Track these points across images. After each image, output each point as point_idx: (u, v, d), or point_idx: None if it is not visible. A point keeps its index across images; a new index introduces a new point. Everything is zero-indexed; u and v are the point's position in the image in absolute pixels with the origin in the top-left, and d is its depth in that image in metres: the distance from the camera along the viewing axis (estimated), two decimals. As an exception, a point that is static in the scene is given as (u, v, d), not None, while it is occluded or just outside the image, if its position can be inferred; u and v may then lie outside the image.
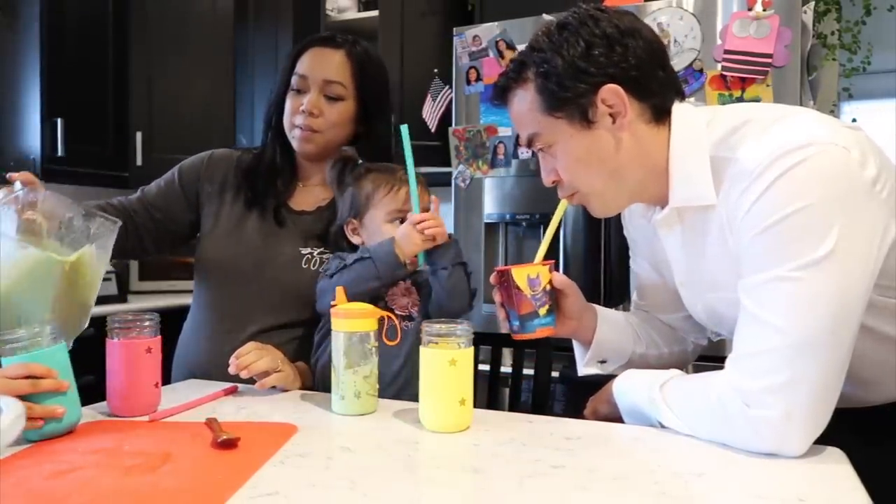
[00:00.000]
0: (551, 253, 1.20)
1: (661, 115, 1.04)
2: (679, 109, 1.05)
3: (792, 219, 0.88)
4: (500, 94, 1.10)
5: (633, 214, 1.23)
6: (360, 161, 1.37)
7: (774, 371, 0.88)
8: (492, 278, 1.17)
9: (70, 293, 1.11)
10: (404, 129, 1.27)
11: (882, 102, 3.57)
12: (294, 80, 1.43)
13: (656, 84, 1.03)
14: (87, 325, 1.16)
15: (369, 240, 1.31)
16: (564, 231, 2.30)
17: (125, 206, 1.46)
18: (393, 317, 1.21)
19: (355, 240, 1.34)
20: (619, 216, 1.22)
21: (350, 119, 1.44)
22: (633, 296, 1.35)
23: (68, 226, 1.12)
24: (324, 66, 1.42)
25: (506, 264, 1.17)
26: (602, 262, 2.28)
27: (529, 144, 1.09)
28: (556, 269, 1.17)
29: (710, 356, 1.81)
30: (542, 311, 1.13)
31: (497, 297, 1.17)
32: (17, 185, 1.12)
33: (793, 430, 0.88)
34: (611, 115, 1.01)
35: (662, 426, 1.01)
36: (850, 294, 0.88)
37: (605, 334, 1.23)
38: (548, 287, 1.13)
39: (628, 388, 1.08)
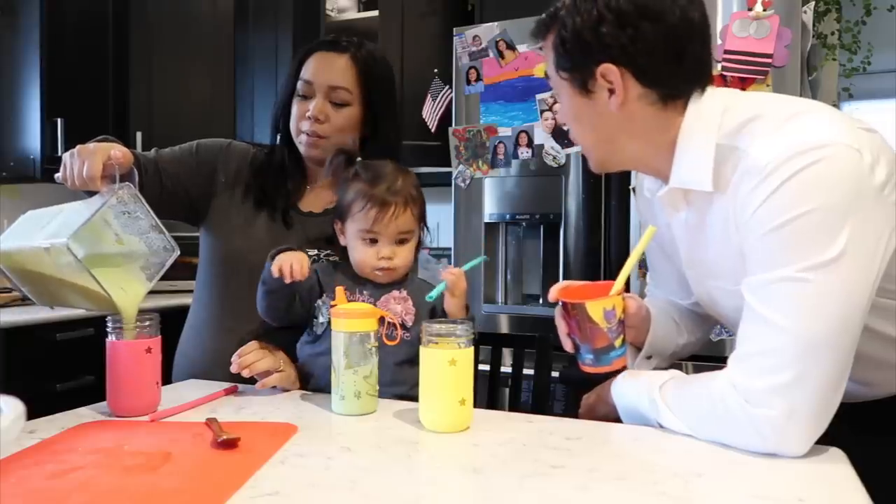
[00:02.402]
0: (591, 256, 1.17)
1: (670, 100, 1.01)
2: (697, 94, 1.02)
3: (801, 220, 0.88)
4: (538, 34, 1.08)
5: (641, 188, 1.21)
6: (358, 158, 1.34)
7: (778, 370, 0.88)
8: (557, 311, 1.09)
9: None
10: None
11: (882, 102, 3.56)
12: (300, 86, 1.42)
13: (666, 74, 0.99)
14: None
15: (347, 246, 1.29)
16: (565, 232, 2.30)
17: (140, 161, 1.38)
18: (393, 318, 1.20)
19: (341, 240, 1.31)
20: (624, 210, 1.20)
21: (357, 123, 1.44)
22: (648, 278, 1.34)
23: (133, 219, 1.13)
24: (329, 71, 1.41)
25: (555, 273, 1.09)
26: (602, 263, 2.28)
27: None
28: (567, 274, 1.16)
29: (710, 356, 1.81)
30: (618, 342, 1.06)
31: (563, 328, 1.09)
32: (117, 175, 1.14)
33: (794, 431, 0.88)
34: (609, 90, 1.00)
35: (661, 427, 1.01)
36: (855, 298, 0.89)
37: (655, 334, 1.20)
38: (622, 316, 1.06)
39: (627, 389, 1.08)
